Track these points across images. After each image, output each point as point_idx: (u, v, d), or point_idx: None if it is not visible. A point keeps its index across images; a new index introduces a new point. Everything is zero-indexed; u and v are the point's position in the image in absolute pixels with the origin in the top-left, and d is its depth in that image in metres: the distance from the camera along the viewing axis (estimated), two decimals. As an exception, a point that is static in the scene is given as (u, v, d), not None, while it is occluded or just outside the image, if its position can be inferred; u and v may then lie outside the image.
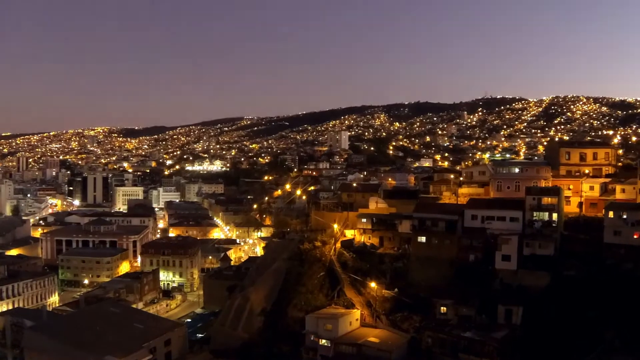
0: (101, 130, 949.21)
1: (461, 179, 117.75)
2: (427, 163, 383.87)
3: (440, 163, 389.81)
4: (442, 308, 77.50)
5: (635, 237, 76.28)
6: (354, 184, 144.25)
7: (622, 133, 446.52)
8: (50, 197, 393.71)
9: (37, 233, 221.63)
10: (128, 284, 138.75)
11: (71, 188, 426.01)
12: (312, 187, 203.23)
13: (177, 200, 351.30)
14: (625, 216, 77.52)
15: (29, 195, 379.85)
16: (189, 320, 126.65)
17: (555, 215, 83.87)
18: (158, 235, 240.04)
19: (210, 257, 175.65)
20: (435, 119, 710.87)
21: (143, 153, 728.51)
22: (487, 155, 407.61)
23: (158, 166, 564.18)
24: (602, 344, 64.65)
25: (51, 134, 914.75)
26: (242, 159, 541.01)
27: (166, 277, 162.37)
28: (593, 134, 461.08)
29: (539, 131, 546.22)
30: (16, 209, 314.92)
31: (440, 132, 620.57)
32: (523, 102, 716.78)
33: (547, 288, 74.04)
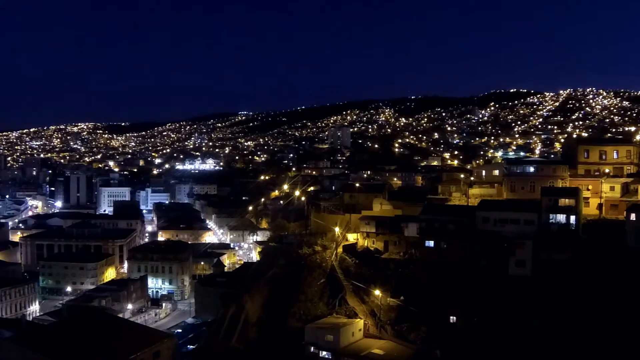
0: (85, 127, 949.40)
1: (472, 178, 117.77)
2: (435, 162, 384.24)
3: (449, 162, 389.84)
4: (451, 317, 77.46)
5: (659, 241, 76.19)
6: (357, 184, 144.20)
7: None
8: (31, 198, 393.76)
9: (16, 237, 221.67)
10: (114, 292, 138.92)
11: (53, 188, 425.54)
12: (312, 188, 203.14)
13: (167, 202, 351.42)
14: (648, 218, 77.44)
15: (7, 196, 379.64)
16: (180, 330, 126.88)
17: (573, 218, 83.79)
18: (146, 240, 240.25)
19: (202, 263, 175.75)
20: (444, 114, 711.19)
21: (130, 151, 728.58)
22: (499, 154, 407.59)
23: (146, 165, 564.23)
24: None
25: (31, 130, 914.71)
26: (237, 157, 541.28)
27: (155, 284, 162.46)
28: (614, 130, 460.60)
29: (555, 127, 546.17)
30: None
31: (449, 129, 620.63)
32: (538, 96, 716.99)
33: (564, 295, 74.03)
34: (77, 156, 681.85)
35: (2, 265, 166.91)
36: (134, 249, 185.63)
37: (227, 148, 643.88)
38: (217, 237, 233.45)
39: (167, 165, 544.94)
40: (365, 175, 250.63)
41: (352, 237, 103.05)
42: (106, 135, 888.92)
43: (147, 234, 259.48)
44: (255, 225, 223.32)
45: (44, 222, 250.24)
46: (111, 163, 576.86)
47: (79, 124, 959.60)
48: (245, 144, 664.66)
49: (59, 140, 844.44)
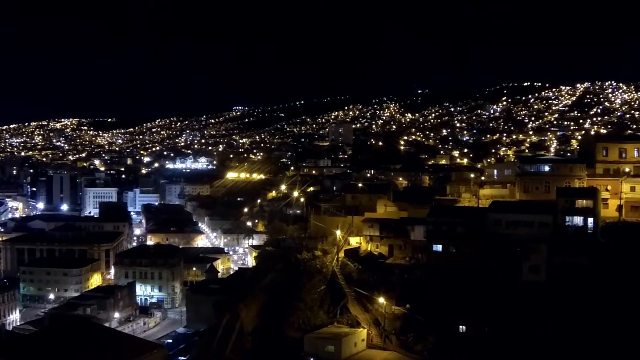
0: (69, 123, 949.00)
1: (482, 178, 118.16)
2: (443, 160, 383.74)
3: (458, 160, 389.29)
4: (460, 326, 77.51)
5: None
6: (360, 185, 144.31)
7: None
8: (11, 200, 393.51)
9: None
10: (99, 300, 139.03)
11: (34, 189, 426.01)
12: (312, 188, 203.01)
13: (156, 203, 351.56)
14: (671, 221, 77.55)
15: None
16: (170, 340, 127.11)
17: (590, 220, 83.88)
18: (134, 244, 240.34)
19: (194, 269, 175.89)
20: (452, 109, 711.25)
21: (117, 149, 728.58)
22: (512, 152, 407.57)
23: (134, 164, 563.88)
24: None
25: (11, 126, 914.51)
26: (231, 156, 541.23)
27: (143, 292, 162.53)
28: (634, 126, 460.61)
29: (572, 123, 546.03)
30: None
31: (458, 125, 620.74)
32: (554, 89, 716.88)
33: (581, 302, 74.10)
34: (61, 154, 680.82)
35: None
36: (121, 253, 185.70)
37: (220, 146, 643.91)
38: (210, 241, 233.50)
39: (156, 164, 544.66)
40: (368, 175, 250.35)
41: (354, 241, 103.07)
42: (91, 132, 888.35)
43: (135, 238, 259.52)
44: (251, 229, 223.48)
45: (25, 224, 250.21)
46: (97, 162, 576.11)
47: (63, 120, 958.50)
48: (240, 141, 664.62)
49: (41, 137, 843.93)
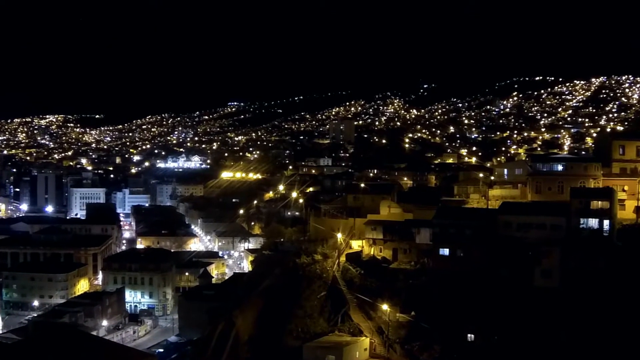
0: (54, 119, 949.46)
1: (492, 178, 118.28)
2: (450, 159, 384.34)
3: (466, 159, 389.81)
4: (469, 335, 77.54)
5: None
6: (362, 185, 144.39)
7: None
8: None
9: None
10: (87, 307, 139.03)
11: (18, 189, 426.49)
12: (311, 189, 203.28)
13: (147, 204, 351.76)
14: (691, 223, 77.60)
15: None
16: (161, 350, 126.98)
17: (606, 222, 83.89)
18: (123, 247, 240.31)
19: (186, 274, 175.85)
20: (460, 104, 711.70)
21: (105, 147, 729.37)
22: (523, 150, 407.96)
23: (123, 163, 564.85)
24: None
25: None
26: (226, 154, 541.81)
27: (133, 298, 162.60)
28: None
29: (586, 120, 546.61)
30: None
31: (466, 121, 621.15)
32: (567, 84, 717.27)
33: (596, 308, 74.16)
34: (45, 153, 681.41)
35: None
36: (109, 257, 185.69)
37: (214, 143, 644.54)
38: (204, 245, 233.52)
39: (147, 163, 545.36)
40: (371, 175, 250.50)
41: (356, 245, 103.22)
42: (78, 129, 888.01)
43: (124, 241, 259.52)
44: (247, 231, 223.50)
45: (8, 227, 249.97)
46: (84, 161, 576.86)
47: (47, 117, 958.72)
48: (236, 139, 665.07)
49: (24, 134, 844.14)
